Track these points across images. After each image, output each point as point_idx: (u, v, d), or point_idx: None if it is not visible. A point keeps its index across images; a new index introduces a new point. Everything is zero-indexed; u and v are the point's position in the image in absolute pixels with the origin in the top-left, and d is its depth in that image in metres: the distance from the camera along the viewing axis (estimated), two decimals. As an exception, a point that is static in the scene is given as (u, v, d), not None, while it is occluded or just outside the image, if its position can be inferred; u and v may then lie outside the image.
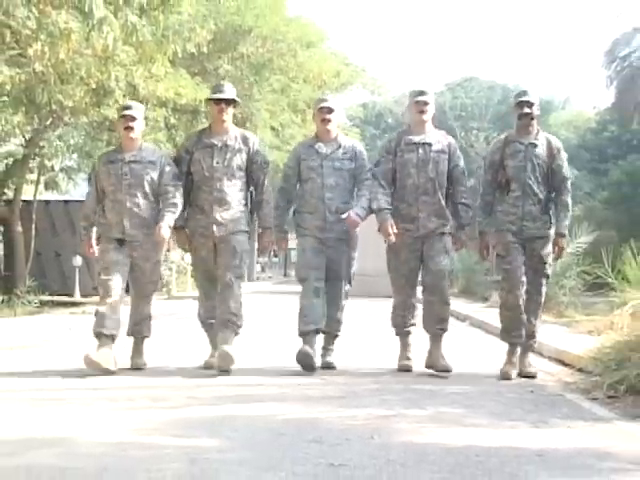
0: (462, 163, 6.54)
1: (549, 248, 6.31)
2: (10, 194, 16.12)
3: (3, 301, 12.24)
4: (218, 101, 6.31)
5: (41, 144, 14.83)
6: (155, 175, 6.24)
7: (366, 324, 9.82)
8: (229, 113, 6.36)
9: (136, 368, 6.32)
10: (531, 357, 6.38)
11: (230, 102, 6.36)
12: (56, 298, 13.98)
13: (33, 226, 15.27)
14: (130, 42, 9.69)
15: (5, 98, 12.42)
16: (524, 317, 6.23)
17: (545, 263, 6.33)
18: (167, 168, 6.31)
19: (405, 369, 6.42)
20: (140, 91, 11.92)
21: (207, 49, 12.60)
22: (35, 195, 16.36)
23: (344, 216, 6.25)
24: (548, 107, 37.08)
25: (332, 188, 6.37)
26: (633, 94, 25.56)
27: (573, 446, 3.93)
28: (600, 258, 8.16)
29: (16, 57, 11.02)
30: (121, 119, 6.39)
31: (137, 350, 6.43)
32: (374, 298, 14.23)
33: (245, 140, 6.38)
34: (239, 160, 6.30)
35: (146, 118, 12.93)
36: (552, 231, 6.33)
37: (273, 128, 18.10)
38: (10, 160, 16.22)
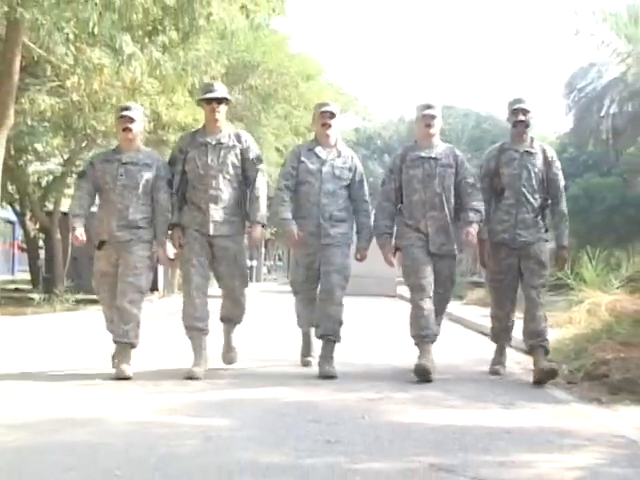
0: (470, 175, 5.62)
1: (544, 248, 5.58)
2: (50, 207, 16.19)
3: (44, 299, 12.23)
4: (209, 100, 5.51)
5: (77, 163, 14.84)
6: (150, 178, 5.45)
7: (357, 318, 9.83)
8: (221, 112, 5.54)
9: (121, 378, 5.15)
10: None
11: (222, 101, 5.55)
12: (90, 297, 13.94)
13: (70, 234, 15.28)
14: (154, 75, 9.72)
15: (46, 124, 12.48)
16: (512, 325, 5.75)
17: (540, 264, 5.50)
18: (162, 173, 5.51)
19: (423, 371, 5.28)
20: (163, 117, 11.93)
21: (221, 81, 12.59)
22: (72, 207, 16.35)
23: (357, 257, 5.70)
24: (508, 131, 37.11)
25: (329, 194, 5.57)
26: (588, 121, 25.74)
27: (537, 425, 3.94)
28: (561, 262, 8.16)
29: (56, 88, 11.06)
30: (119, 120, 5.62)
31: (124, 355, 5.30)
32: (364, 297, 14.24)
33: (238, 137, 5.58)
34: (233, 157, 5.49)
35: (165, 140, 13.06)
36: (546, 235, 5.66)
37: (278, 149, 18.10)
38: (50, 177, 16.28)
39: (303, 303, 5.85)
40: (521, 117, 5.52)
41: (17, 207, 17.13)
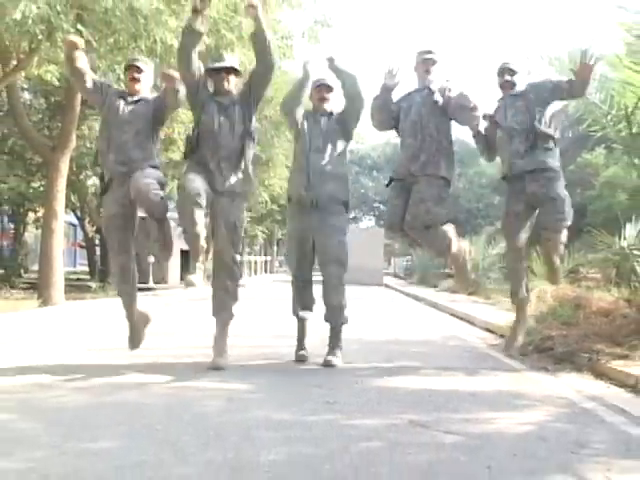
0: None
1: (560, 192, 4.56)
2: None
3: (100, 287, 12.28)
4: (219, 70, 4.46)
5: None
6: (149, 112, 4.42)
7: (351, 303, 9.80)
8: (231, 81, 4.46)
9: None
10: (467, 327, 6.22)
11: (230, 71, 4.47)
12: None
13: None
14: (188, 106, 9.73)
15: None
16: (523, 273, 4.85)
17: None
18: (158, 100, 4.43)
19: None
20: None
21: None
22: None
23: None
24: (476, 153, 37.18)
25: (317, 150, 4.59)
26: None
27: (496, 389, 3.93)
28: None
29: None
30: (128, 70, 4.54)
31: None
32: (356, 285, 14.21)
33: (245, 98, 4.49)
34: (243, 115, 4.43)
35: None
36: (551, 164, 4.62)
37: (287, 166, 18.19)
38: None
39: (298, 286, 4.85)
40: (507, 77, 4.73)
41: (78, 213, 17.17)
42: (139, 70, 4.50)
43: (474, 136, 4.96)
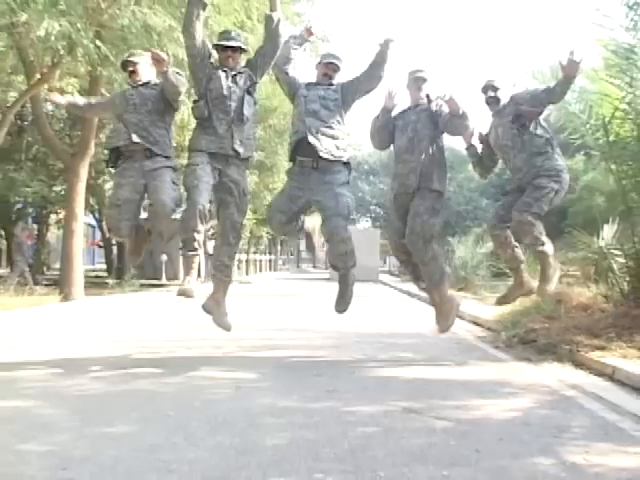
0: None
1: (544, 183, 4.39)
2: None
3: (116, 283, 12.27)
4: (225, 48, 4.32)
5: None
6: (158, 94, 4.40)
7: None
8: (235, 59, 4.33)
9: None
10: (456, 320, 6.19)
11: (236, 49, 4.34)
12: (150, 282, 13.97)
13: (136, 235, 15.24)
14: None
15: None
16: (511, 249, 4.62)
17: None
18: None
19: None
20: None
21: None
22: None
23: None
24: (465, 159, 37.20)
25: (312, 113, 4.33)
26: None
27: (484, 378, 3.92)
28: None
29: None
30: (125, 67, 4.59)
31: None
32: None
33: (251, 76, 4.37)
34: (249, 85, 4.31)
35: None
36: (550, 166, 4.40)
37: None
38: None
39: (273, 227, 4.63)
40: (491, 93, 4.63)
41: (96, 215, 17.20)
42: (133, 64, 4.50)
43: (467, 149, 4.88)
